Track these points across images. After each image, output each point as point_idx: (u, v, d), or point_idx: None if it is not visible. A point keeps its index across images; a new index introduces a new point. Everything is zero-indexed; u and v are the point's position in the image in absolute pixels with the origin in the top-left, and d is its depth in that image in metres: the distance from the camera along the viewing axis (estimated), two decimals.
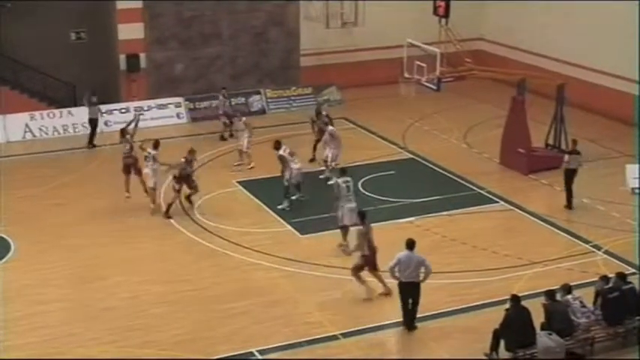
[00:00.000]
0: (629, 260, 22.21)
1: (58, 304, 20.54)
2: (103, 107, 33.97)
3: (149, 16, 35.39)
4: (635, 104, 32.71)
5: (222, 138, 32.22)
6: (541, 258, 22.43)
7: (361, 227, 20.71)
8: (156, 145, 26.03)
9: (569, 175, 25.79)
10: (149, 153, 25.78)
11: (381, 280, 20.66)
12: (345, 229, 22.98)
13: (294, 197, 25.98)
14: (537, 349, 17.27)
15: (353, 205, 22.91)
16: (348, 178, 23.35)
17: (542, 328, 17.72)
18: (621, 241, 23.47)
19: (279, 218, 25.26)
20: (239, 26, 36.80)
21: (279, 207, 25.72)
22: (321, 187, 27.54)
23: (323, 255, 22.90)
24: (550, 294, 18.00)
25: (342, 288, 21.17)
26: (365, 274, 20.67)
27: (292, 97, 36.81)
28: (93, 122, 31.75)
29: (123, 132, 26.94)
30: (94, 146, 31.56)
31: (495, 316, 19.02)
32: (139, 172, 26.19)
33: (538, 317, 17.81)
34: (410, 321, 19.32)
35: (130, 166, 26.28)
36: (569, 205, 25.68)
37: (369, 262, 20.60)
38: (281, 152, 25.78)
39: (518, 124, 28.68)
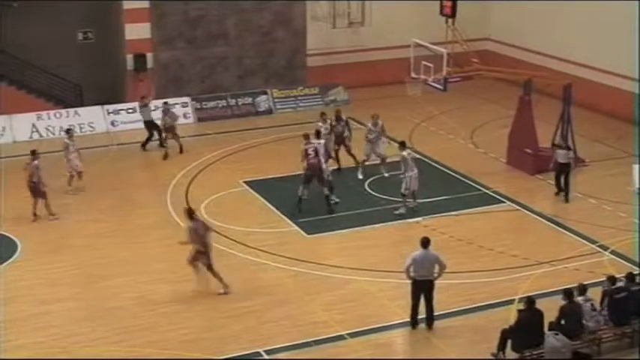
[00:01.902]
0: (636, 260, 22.14)
1: (65, 303, 20.57)
2: (110, 107, 34.05)
3: (156, 16, 35.42)
4: (635, 102, 32.70)
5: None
6: (548, 258, 22.40)
7: (190, 223, 20.71)
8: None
9: (558, 170, 26.21)
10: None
11: (219, 279, 20.77)
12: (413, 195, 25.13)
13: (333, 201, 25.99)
14: (544, 349, 17.23)
15: (416, 172, 24.94)
16: (409, 150, 25.61)
17: (550, 328, 17.69)
18: (628, 241, 23.42)
19: (285, 218, 25.26)
20: (245, 26, 36.81)
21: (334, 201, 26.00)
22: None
23: (329, 255, 22.93)
24: (568, 294, 17.92)
25: (348, 288, 21.18)
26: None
27: (299, 97, 36.79)
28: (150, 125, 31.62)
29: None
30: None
31: (502, 316, 19.14)
32: None
33: (547, 317, 17.79)
34: (429, 319, 19.31)
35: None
36: (565, 199, 26.18)
37: (202, 258, 20.63)
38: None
39: (525, 124, 28.64)
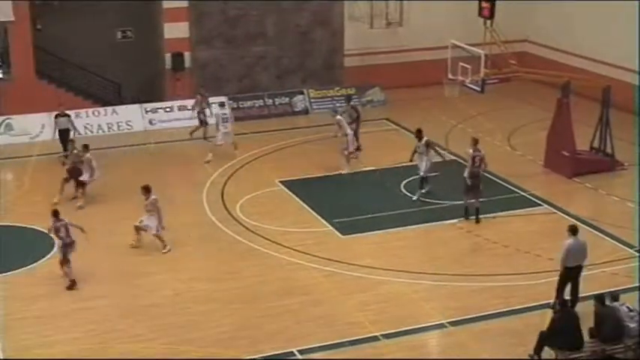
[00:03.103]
0: None
1: (103, 300, 20.74)
2: (148, 106, 34.27)
3: (195, 15, 35.59)
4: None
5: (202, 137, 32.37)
6: (585, 262, 22.20)
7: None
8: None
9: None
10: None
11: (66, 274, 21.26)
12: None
13: (424, 190, 26.32)
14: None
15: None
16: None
17: (592, 335, 17.58)
18: None
19: (320, 218, 25.29)
20: (284, 26, 36.88)
21: (414, 198, 26.23)
22: (362, 187, 27.63)
23: (364, 255, 22.91)
24: (600, 298, 17.82)
25: (383, 289, 21.17)
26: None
27: (335, 98, 36.77)
28: None
29: None
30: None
31: (539, 320, 19.03)
32: None
33: (585, 322, 17.68)
34: (574, 302, 19.37)
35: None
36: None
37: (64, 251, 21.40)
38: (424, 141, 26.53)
39: (563, 127, 28.45)
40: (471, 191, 24.89)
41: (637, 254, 22.82)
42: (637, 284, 20.49)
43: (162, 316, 19.92)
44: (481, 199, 24.93)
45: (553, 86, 31.92)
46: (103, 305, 20.50)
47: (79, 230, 21.64)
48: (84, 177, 26.45)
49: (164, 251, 23.05)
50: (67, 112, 30.27)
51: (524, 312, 19.91)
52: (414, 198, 26.13)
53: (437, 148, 27.06)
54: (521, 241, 23.56)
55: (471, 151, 25.18)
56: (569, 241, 19.57)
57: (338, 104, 35.35)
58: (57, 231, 21.45)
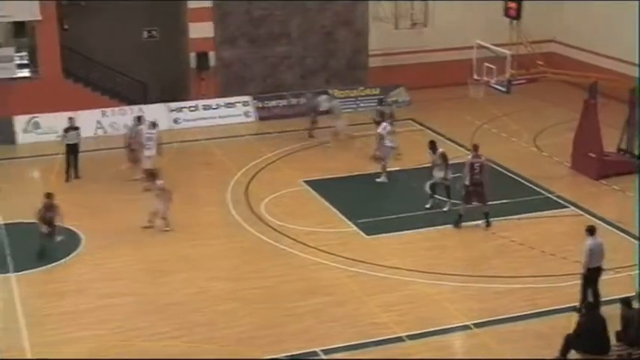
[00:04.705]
0: None
1: (126, 297, 20.79)
2: (173, 105, 34.34)
3: (219, 15, 35.64)
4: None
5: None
6: (611, 265, 21.98)
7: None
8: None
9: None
10: None
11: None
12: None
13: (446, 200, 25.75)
14: None
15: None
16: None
17: (619, 338, 17.42)
18: None
19: (344, 218, 25.23)
20: (308, 25, 36.86)
21: (445, 209, 25.61)
22: (387, 187, 27.56)
23: (388, 256, 22.82)
24: (626, 301, 17.65)
25: (407, 289, 21.09)
26: None
27: (359, 98, 36.71)
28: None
29: None
30: None
31: (565, 322, 18.86)
32: None
33: (611, 325, 17.52)
34: (596, 305, 18.89)
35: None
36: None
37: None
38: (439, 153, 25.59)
39: (590, 128, 28.24)
40: (472, 198, 24.55)
41: None
42: None
43: (185, 315, 19.92)
44: (489, 203, 24.65)
45: (580, 87, 31.76)
46: (126, 303, 20.55)
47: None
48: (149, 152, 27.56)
49: (166, 229, 24.22)
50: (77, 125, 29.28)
51: (550, 314, 19.74)
52: (445, 209, 25.51)
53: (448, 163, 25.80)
54: (547, 243, 23.39)
55: (469, 157, 24.78)
56: (590, 242, 19.46)
57: (362, 104, 35.46)
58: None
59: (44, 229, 22.60)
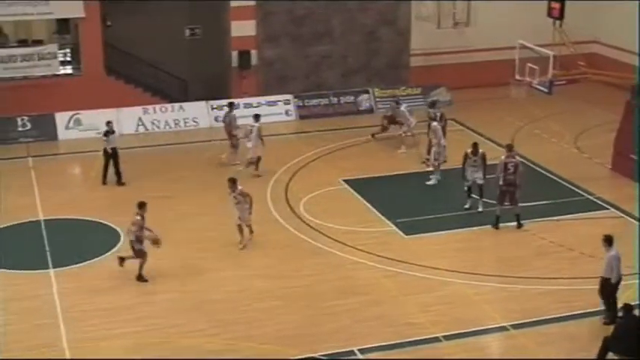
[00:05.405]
0: None
1: (164, 295, 20.96)
2: (214, 103, 34.51)
3: (262, 14, 35.76)
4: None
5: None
6: None
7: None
8: None
9: None
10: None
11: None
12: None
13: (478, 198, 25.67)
14: None
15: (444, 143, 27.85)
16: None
17: None
18: None
19: (383, 218, 25.24)
20: (350, 25, 36.87)
21: (480, 210, 25.50)
22: (426, 187, 27.52)
23: (427, 256, 22.80)
24: None
25: (445, 290, 21.07)
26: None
27: (401, 97, 36.63)
28: None
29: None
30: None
31: (602, 325, 18.74)
32: None
33: None
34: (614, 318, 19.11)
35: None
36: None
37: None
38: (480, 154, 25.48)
39: (631, 130, 28.00)
40: (504, 198, 24.43)
41: None
42: None
43: (223, 312, 20.05)
44: (520, 204, 24.48)
45: (622, 88, 31.47)
46: (165, 300, 20.73)
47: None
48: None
49: (240, 247, 23.17)
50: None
51: (587, 317, 19.64)
52: (480, 209, 25.42)
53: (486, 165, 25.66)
54: (586, 245, 23.20)
55: (503, 157, 24.61)
56: (614, 252, 19.31)
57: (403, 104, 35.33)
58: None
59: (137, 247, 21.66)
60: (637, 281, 21.06)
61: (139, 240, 21.53)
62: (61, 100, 33.11)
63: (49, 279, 21.68)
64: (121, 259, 21.79)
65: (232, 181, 23.22)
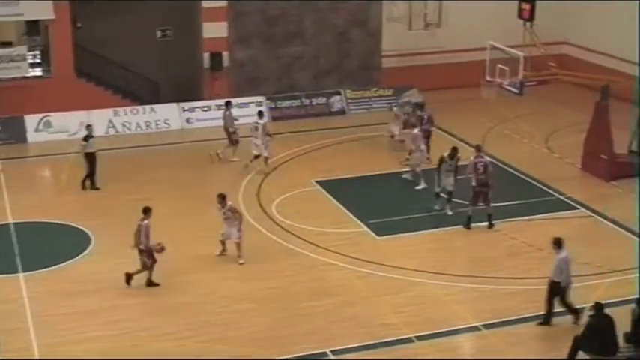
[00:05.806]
0: None
1: (137, 298, 20.89)
2: (185, 104, 34.42)
3: (233, 15, 35.67)
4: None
5: None
6: (621, 266, 22.05)
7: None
8: None
9: None
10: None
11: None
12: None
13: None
14: None
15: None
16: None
17: (627, 339, 17.43)
18: None
19: (355, 219, 25.28)
20: (322, 25, 36.86)
21: (449, 213, 25.53)
22: (398, 188, 27.59)
23: (398, 257, 22.88)
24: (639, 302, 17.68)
25: (415, 290, 21.16)
26: None
27: (373, 98, 36.76)
28: None
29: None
30: None
31: (573, 324, 18.87)
32: None
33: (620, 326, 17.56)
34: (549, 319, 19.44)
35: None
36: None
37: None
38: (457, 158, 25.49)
39: (601, 130, 28.21)
40: (478, 199, 24.55)
41: None
42: None
43: (196, 315, 20.02)
44: (492, 205, 24.64)
45: (592, 89, 31.70)
46: (137, 303, 20.65)
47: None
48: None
49: (240, 262, 22.68)
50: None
51: (558, 316, 19.71)
52: (450, 213, 25.48)
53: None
54: None
55: (472, 157, 24.75)
56: (564, 255, 19.25)
57: (375, 105, 35.46)
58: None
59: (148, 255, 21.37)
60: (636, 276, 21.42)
61: (149, 251, 21.18)
62: (30, 102, 32.85)
63: (19, 283, 21.52)
64: (129, 276, 21.31)
65: (222, 197, 22.65)
